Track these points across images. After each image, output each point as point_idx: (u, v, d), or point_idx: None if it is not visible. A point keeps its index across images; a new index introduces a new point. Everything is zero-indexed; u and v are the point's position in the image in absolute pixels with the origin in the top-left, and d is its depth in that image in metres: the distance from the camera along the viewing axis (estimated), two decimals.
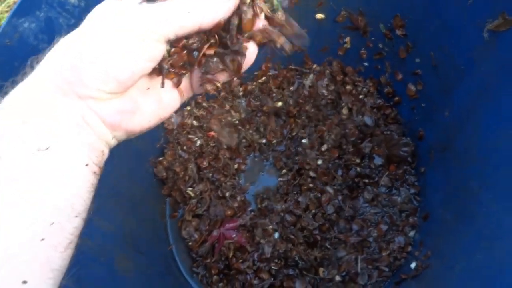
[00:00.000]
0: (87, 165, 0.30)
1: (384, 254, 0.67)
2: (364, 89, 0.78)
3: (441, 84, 0.63)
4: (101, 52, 0.29)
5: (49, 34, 0.53)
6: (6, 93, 0.30)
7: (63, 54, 0.30)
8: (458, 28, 0.55)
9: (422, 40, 0.64)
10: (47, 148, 0.28)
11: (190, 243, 0.73)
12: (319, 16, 0.72)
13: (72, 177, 0.29)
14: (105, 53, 0.29)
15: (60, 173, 0.29)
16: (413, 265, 0.65)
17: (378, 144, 0.73)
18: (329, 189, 0.72)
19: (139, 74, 0.31)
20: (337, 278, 0.67)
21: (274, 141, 0.79)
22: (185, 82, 0.37)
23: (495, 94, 0.53)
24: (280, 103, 0.80)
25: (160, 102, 0.35)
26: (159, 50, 0.31)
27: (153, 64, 0.32)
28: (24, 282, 0.26)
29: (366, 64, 0.76)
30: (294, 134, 0.79)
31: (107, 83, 0.30)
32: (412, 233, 0.69)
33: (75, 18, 0.55)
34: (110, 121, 0.32)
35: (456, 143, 0.63)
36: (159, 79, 0.35)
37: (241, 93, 0.83)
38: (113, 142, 0.34)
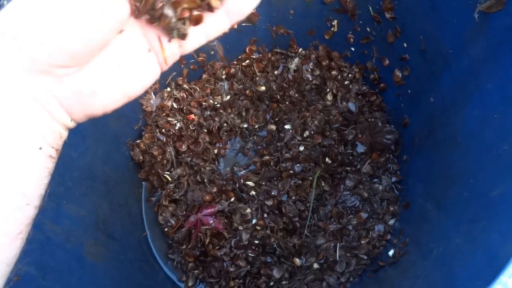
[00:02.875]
0: (40, 148, 0.26)
1: (363, 242, 0.66)
2: (350, 75, 0.76)
3: (428, 69, 0.62)
4: (49, 16, 0.24)
5: None
6: None
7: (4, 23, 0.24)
8: (448, 9, 0.54)
9: (410, 23, 0.62)
10: None
11: (166, 229, 0.71)
12: None
13: (22, 161, 0.25)
14: (53, 19, 0.24)
15: (7, 157, 0.25)
16: (391, 252, 0.64)
17: (362, 131, 0.71)
18: (310, 176, 0.70)
19: (97, 45, 0.25)
20: (315, 265, 0.65)
21: (256, 126, 0.77)
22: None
23: (481, 79, 0.52)
24: (263, 87, 0.78)
25: (131, 75, 0.29)
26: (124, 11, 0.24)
27: (115, 32, 0.26)
28: None
29: (352, 49, 0.74)
30: (277, 119, 0.77)
31: (57, 56, 0.25)
32: (392, 221, 0.69)
33: None
34: (66, 103, 0.27)
35: (439, 130, 0.62)
36: (131, 43, 0.27)
37: (223, 76, 0.80)
38: (72, 124, 0.29)
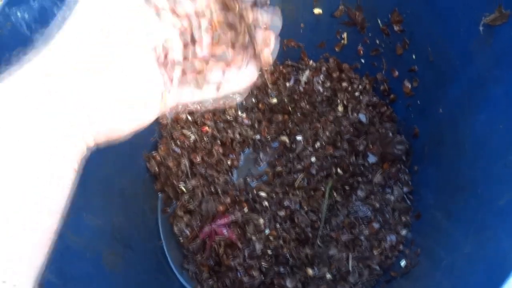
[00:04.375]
0: (68, 162, 0.30)
1: (375, 252, 0.66)
2: (360, 87, 0.77)
3: (437, 80, 0.62)
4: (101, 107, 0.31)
5: (43, 24, 0.52)
6: None
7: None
8: (454, 22, 0.55)
9: (418, 35, 0.63)
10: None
11: (181, 239, 0.72)
12: (317, 10, 0.71)
13: (54, 171, 0.28)
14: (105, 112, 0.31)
15: (44, 166, 0.28)
16: (403, 263, 0.64)
17: (373, 142, 0.72)
18: (322, 186, 0.71)
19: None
20: (328, 276, 0.66)
21: (268, 137, 0.78)
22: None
23: (488, 89, 0.53)
24: (275, 100, 0.80)
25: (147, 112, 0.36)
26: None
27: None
28: (4, 282, 0.25)
29: (362, 60, 0.76)
30: (288, 131, 0.78)
31: (95, 137, 0.32)
32: (404, 232, 0.69)
33: (70, 9, 0.55)
34: (93, 133, 0.32)
35: (449, 139, 0.63)
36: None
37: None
38: (93, 145, 0.33)
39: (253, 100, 0.80)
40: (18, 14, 0.51)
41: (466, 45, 0.54)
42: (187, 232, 0.72)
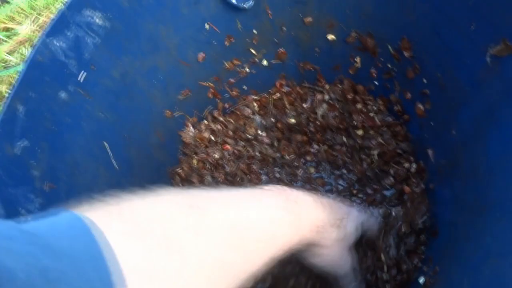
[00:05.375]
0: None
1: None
2: (374, 107, 0.80)
3: (448, 104, 0.64)
4: None
5: (77, 52, 0.59)
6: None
7: None
8: (461, 51, 0.57)
9: (428, 62, 0.65)
10: None
11: None
12: (330, 37, 0.75)
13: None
14: None
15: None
16: (421, 280, 0.65)
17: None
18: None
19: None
20: None
21: (286, 156, 0.82)
22: None
23: (499, 116, 0.54)
24: (293, 120, 0.83)
25: None
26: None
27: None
28: None
29: (376, 83, 0.78)
30: (305, 150, 0.81)
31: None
32: (422, 249, 0.70)
33: (101, 37, 0.61)
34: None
35: (463, 162, 0.64)
36: None
37: (256, 109, 0.86)
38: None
39: (272, 119, 0.84)
40: (56, 43, 0.57)
41: (474, 73, 0.55)
42: None
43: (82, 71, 0.59)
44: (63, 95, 0.58)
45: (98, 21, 0.60)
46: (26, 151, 0.54)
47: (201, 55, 0.75)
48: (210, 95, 0.82)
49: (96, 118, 0.64)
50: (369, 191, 0.77)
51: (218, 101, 0.85)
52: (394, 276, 0.68)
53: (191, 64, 0.74)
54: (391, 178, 0.76)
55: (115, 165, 0.68)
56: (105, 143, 0.66)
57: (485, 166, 0.58)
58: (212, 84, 0.80)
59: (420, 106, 0.71)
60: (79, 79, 0.59)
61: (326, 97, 0.82)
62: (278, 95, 0.86)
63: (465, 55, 0.56)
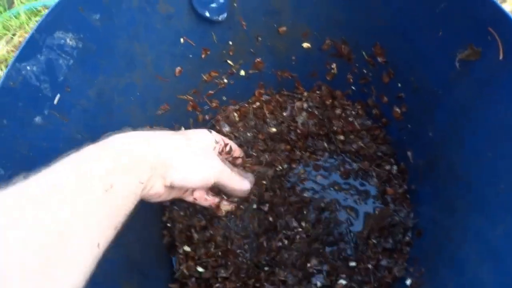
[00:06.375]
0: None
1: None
2: (353, 112, 0.81)
3: (423, 106, 0.66)
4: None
5: (50, 75, 0.58)
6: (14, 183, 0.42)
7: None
8: (431, 56, 0.58)
9: (401, 66, 0.67)
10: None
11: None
12: (306, 45, 0.76)
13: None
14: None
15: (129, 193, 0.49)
16: (408, 281, 0.66)
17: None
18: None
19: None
20: None
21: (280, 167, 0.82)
22: None
23: (473, 116, 0.56)
24: (274, 129, 0.83)
25: None
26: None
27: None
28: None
29: (353, 88, 0.79)
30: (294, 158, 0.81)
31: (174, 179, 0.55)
32: (407, 249, 0.71)
33: (74, 59, 0.60)
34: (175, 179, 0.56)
35: (441, 163, 0.65)
36: None
37: (237, 119, 0.86)
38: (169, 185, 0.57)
39: (254, 131, 0.83)
40: (28, 67, 0.56)
41: (445, 77, 0.57)
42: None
43: (57, 94, 0.59)
44: (38, 119, 0.57)
45: (70, 42, 0.59)
46: (1, 180, 0.53)
47: (178, 69, 0.74)
48: (189, 108, 0.82)
49: (74, 140, 0.63)
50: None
51: (198, 113, 0.85)
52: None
53: (168, 78, 0.74)
54: (375, 179, 0.77)
55: None
56: None
57: (462, 166, 0.59)
58: (191, 97, 0.80)
59: (397, 109, 0.73)
60: (54, 102, 0.58)
61: (305, 105, 0.82)
62: (258, 104, 0.86)
63: (435, 59, 0.58)
